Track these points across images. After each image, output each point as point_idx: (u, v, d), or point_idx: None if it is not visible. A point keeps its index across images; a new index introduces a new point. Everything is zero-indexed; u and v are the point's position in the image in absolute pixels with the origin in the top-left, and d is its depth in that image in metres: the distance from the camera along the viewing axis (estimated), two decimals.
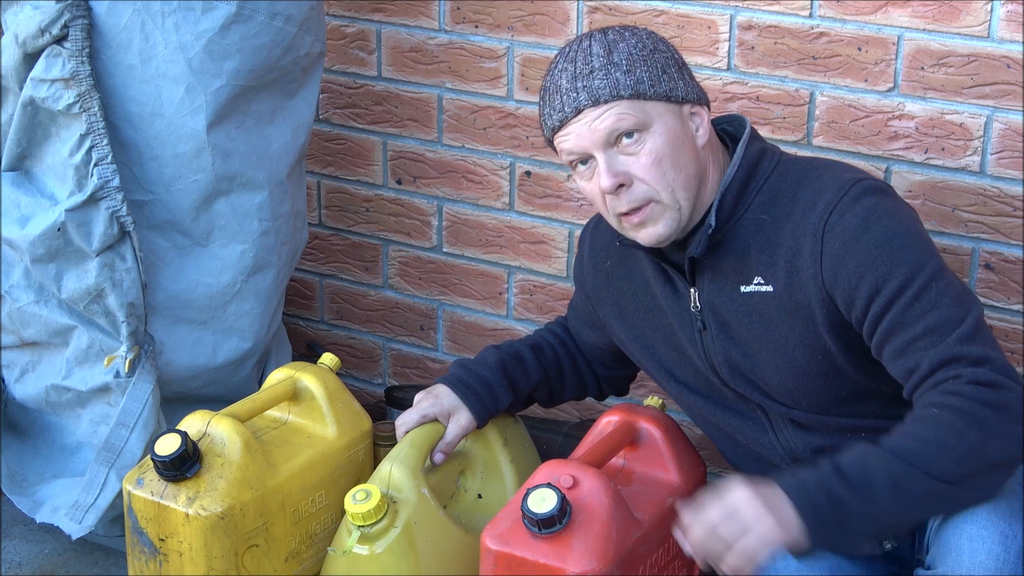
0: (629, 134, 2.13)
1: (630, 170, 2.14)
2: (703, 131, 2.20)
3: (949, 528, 2.05)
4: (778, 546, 1.93)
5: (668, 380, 2.39)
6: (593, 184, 2.18)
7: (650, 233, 2.18)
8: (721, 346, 2.25)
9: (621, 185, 2.14)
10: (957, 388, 1.98)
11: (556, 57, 2.22)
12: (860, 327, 2.12)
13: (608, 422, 2.43)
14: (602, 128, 2.13)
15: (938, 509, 2.02)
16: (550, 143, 2.24)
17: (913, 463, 1.95)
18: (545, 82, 2.22)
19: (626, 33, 2.19)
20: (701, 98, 2.22)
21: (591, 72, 2.14)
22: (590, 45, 2.18)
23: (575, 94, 2.14)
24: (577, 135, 2.15)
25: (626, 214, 2.17)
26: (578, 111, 2.14)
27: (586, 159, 2.18)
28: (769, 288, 2.17)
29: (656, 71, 2.16)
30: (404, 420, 2.46)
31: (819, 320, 2.15)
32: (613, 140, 2.14)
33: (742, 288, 2.20)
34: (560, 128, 2.18)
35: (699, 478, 2.44)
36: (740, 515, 1.95)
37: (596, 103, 2.13)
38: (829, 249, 2.11)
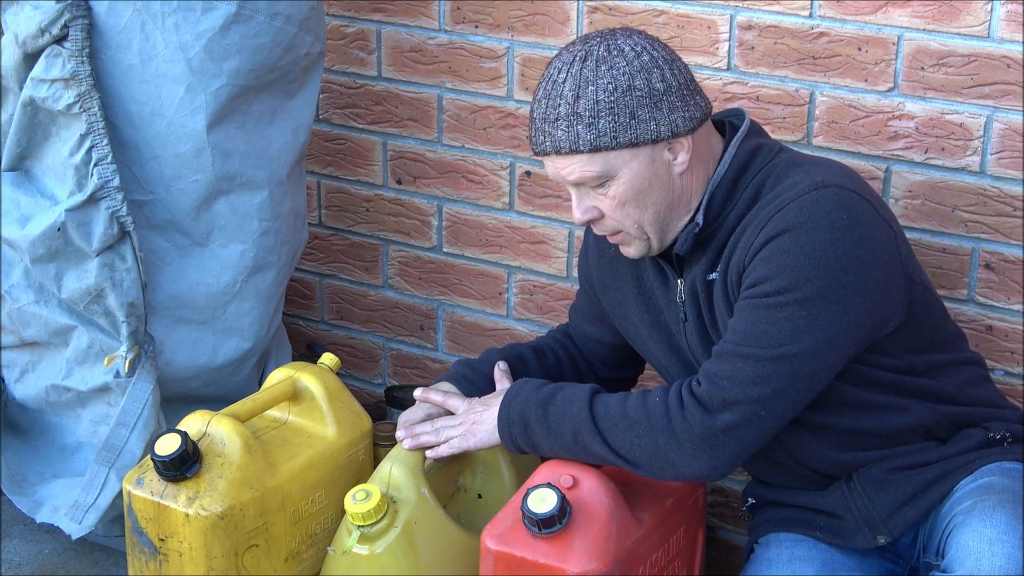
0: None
1: (599, 206, 2.22)
2: (683, 158, 2.18)
3: (967, 531, 2.06)
4: (478, 442, 2.35)
5: (664, 371, 2.41)
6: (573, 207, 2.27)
7: (626, 251, 2.29)
8: (698, 337, 2.27)
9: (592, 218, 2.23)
10: (682, 391, 2.16)
11: (546, 71, 2.21)
12: None
13: None
14: (568, 177, 2.20)
15: (608, 463, 2.24)
16: None
17: (600, 429, 2.20)
18: (533, 95, 2.23)
19: (603, 67, 2.13)
20: (687, 124, 2.16)
21: (556, 119, 2.16)
22: (565, 80, 2.16)
23: (542, 136, 2.19)
24: (550, 172, 2.23)
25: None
26: (544, 154, 2.20)
27: None
28: (716, 276, 2.22)
29: (624, 117, 2.13)
30: (407, 418, 2.46)
31: None
32: (581, 183, 2.21)
33: (708, 277, 2.24)
34: (537, 155, 2.25)
35: None
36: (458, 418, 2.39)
37: (558, 152, 2.18)
38: (758, 242, 2.13)
